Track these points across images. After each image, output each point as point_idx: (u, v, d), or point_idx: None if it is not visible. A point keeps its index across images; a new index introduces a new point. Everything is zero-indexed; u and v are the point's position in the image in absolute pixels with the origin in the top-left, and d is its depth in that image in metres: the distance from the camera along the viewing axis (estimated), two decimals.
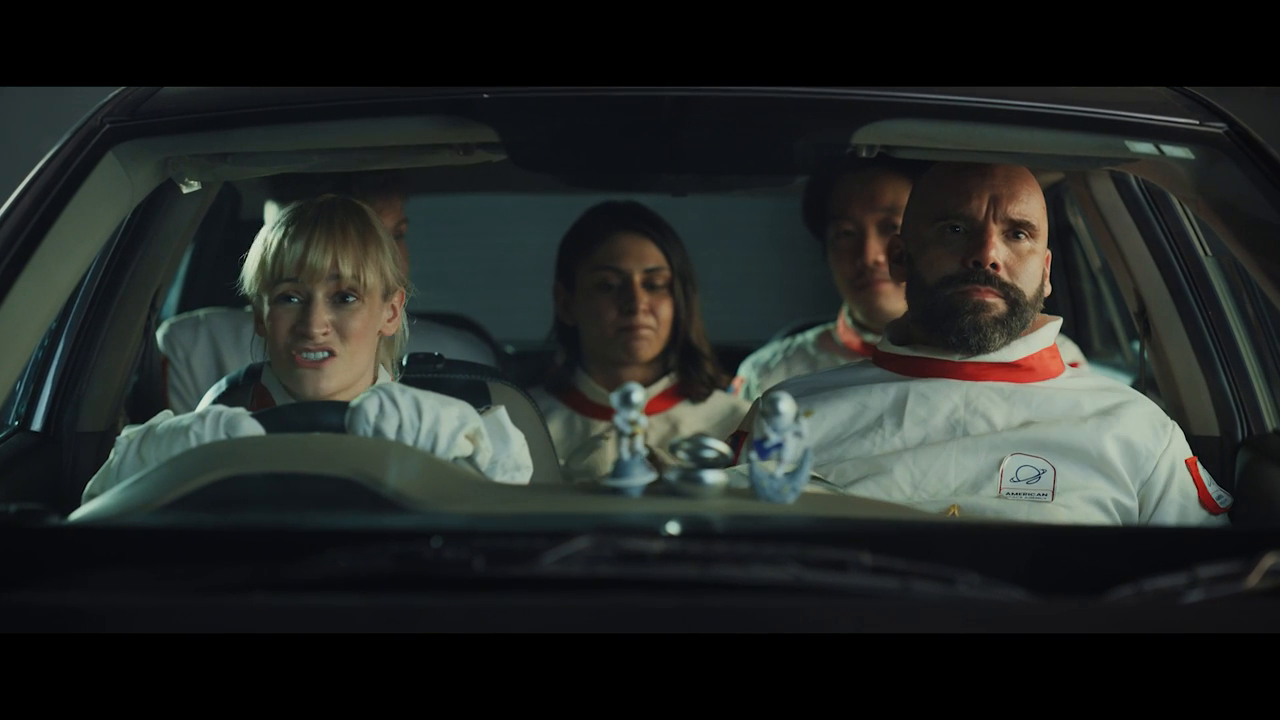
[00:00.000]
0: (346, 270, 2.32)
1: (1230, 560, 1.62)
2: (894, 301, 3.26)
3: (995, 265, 2.39)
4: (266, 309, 2.35)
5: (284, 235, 2.33)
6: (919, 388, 2.44)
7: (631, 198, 3.33)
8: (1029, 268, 2.42)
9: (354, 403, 2.25)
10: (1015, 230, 2.41)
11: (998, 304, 2.40)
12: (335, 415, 2.27)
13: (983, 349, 2.42)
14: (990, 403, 2.42)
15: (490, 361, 3.44)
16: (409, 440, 2.22)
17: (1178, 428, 2.46)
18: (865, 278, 3.32)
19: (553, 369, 3.31)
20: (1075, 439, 2.38)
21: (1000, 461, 2.37)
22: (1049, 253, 2.47)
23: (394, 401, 2.23)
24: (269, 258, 2.34)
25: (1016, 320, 2.41)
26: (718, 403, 3.26)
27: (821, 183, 3.43)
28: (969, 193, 2.43)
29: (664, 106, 2.31)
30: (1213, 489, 2.44)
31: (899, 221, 2.70)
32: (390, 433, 2.22)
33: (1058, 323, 2.50)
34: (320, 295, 2.32)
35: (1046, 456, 2.37)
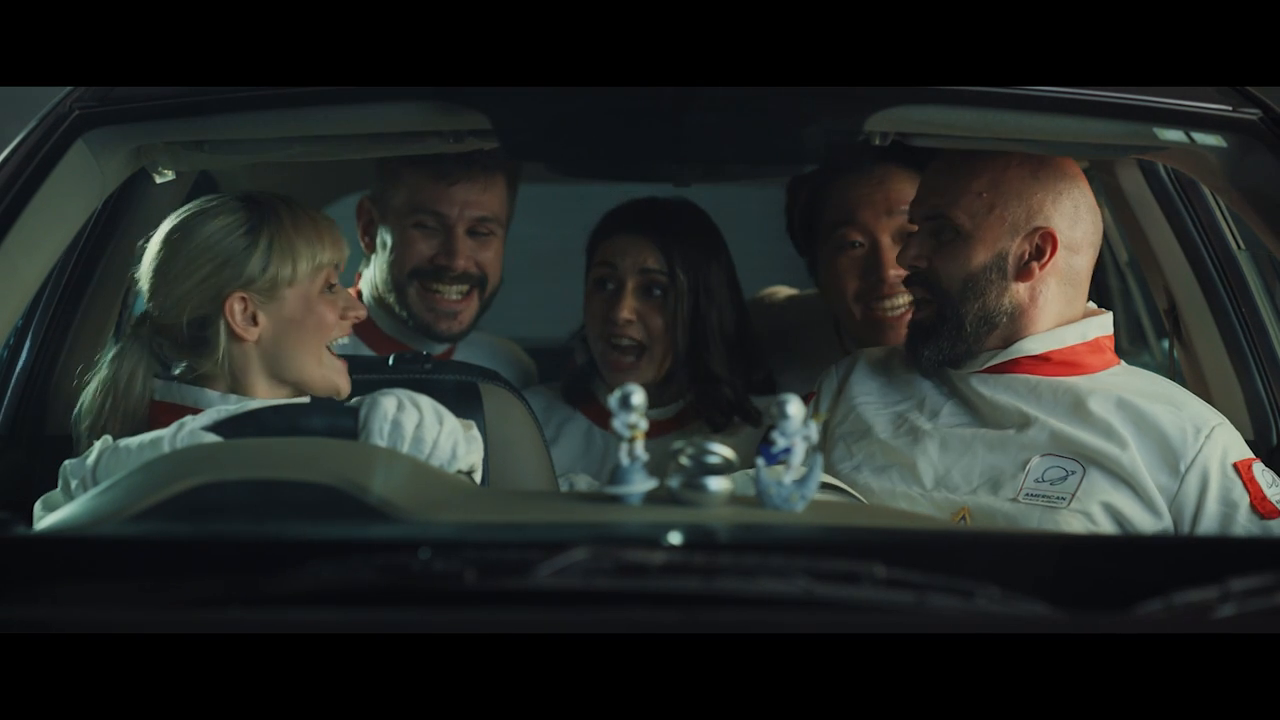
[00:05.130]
0: None
1: (1265, 572, 1.62)
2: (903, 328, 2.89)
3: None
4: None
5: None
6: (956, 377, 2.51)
7: (631, 188, 3.29)
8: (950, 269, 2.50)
9: (370, 399, 2.27)
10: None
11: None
12: (317, 418, 2.27)
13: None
14: (1024, 398, 2.44)
15: (525, 369, 3.37)
16: (428, 439, 2.24)
17: (1220, 431, 2.39)
18: (879, 291, 2.97)
19: (571, 368, 3.20)
20: (1107, 445, 2.37)
21: (1028, 461, 2.39)
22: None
23: (414, 402, 2.26)
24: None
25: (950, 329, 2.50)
26: (749, 436, 2.95)
27: (807, 184, 3.09)
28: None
29: (665, 90, 2.31)
30: (1273, 492, 2.35)
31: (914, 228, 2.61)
32: (409, 428, 2.24)
33: (1104, 317, 2.50)
34: None
35: (1078, 459, 2.38)
